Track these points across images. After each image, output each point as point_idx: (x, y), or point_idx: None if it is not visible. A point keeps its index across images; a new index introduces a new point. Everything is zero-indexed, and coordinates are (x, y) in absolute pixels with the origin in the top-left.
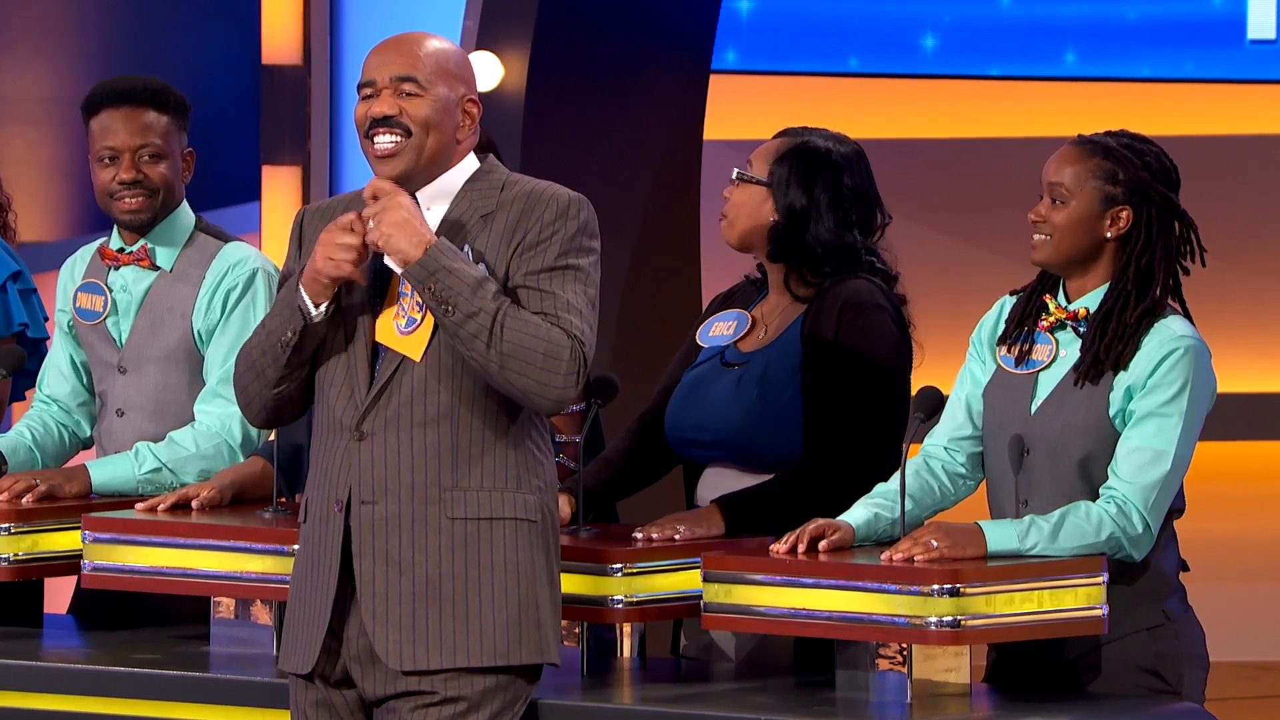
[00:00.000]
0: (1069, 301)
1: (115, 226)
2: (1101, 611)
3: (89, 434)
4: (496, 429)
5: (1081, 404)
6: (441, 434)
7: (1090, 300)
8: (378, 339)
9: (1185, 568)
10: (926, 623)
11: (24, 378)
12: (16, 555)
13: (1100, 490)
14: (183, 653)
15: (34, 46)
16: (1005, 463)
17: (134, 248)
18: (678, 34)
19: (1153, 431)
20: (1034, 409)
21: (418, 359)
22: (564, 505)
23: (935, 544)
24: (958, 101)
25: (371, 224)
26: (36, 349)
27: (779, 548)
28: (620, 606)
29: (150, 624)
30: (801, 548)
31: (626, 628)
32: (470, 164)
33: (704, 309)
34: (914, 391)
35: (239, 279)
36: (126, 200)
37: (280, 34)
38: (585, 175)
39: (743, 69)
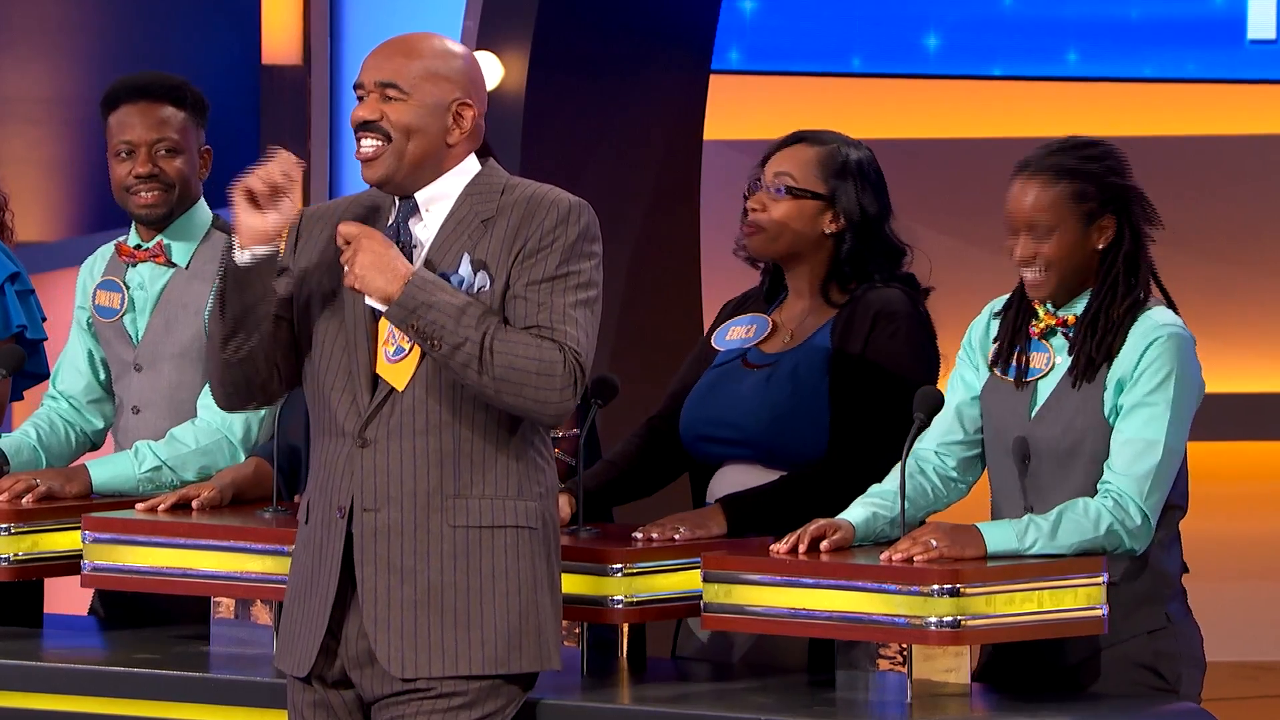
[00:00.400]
0: (1057, 307)
1: (133, 223)
2: (1101, 612)
3: (99, 429)
4: (499, 437)
5: (1079, 407)
6: (444, 442)
7: (1078, 305)
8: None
9: (1186, 569)
10: (926, 623)
11: (23, 378)
12: (16, 555)
13: (1097, 486)
14: (182, 653)
15: (34, 46)
16: (1008, 471)
17: (150, 244)
18: (678, 34)
19: (1142, 422)
20: (1033, 415)
21: (401, 388)
22: (563, 505)
23: (935, 544)
24: (960, 101)
25: (346, 269)
26: (35, 350)
27: (779, 548)
28: (620, 606)
29: (159, 623)
30: (802, 548)
31: (626, 628)
32: (470, 167)
33: (705, 310)
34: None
35: None
36: (142, 195)
37: (280, 34)
38: (585, 175)
39: (746, 69)
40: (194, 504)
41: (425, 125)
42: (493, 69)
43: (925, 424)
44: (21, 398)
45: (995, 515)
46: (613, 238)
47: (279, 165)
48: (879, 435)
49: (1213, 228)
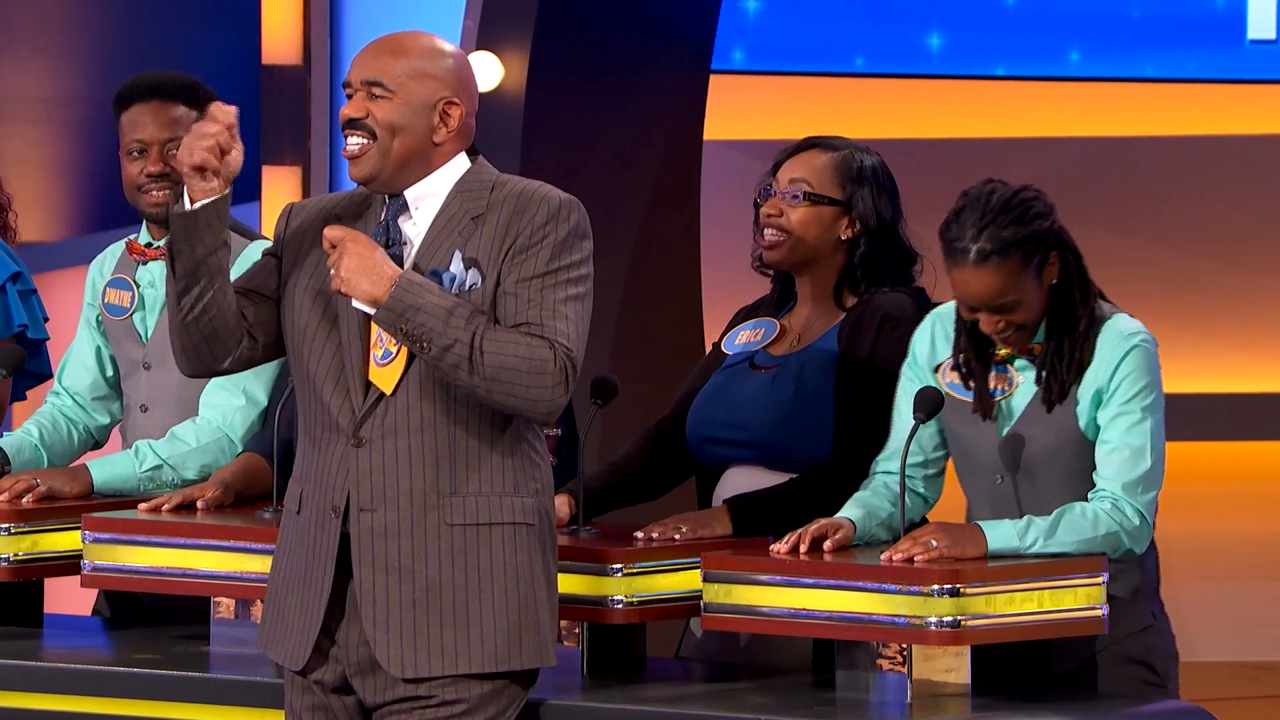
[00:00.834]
0: None
1: (144, 222)
2: (1102, 612)
3: (104, 426)
4: (493, 434)
5: (1051, 425)
6: (439, 440)
7: (1039, 334)
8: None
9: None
10: (927, 623)
11: (24, 378)
12: (16, 555)
13: (1089, 494)
14: (182, 653)
15: (34, 46)
16: (982, 490)
17: (161, 242)
18: (678, 34)
19: (1125, 429)
20: (1004, 434)
21: (389, 392)
22: (563, 506)
23: (935, 543)
24: (963, 101)
25: (332, 272)
26: (36, 350)
27: (780, 548)
28: (620, 606)
29: (164, 623)
30: (804, 548)
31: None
32: (460, 164)
33: (705, 311)
34: None
35: None
36: (154, 193)
37: (280, 34)
38: (585, 175)
39: (750, 69)
40: (199, 504)
41: (410, 123)
42: (493, 69)
43: (925, 423)
44: (24, 397)
45: None
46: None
47: (218, 124)
48: (881, 439)
49: (1213, 227)
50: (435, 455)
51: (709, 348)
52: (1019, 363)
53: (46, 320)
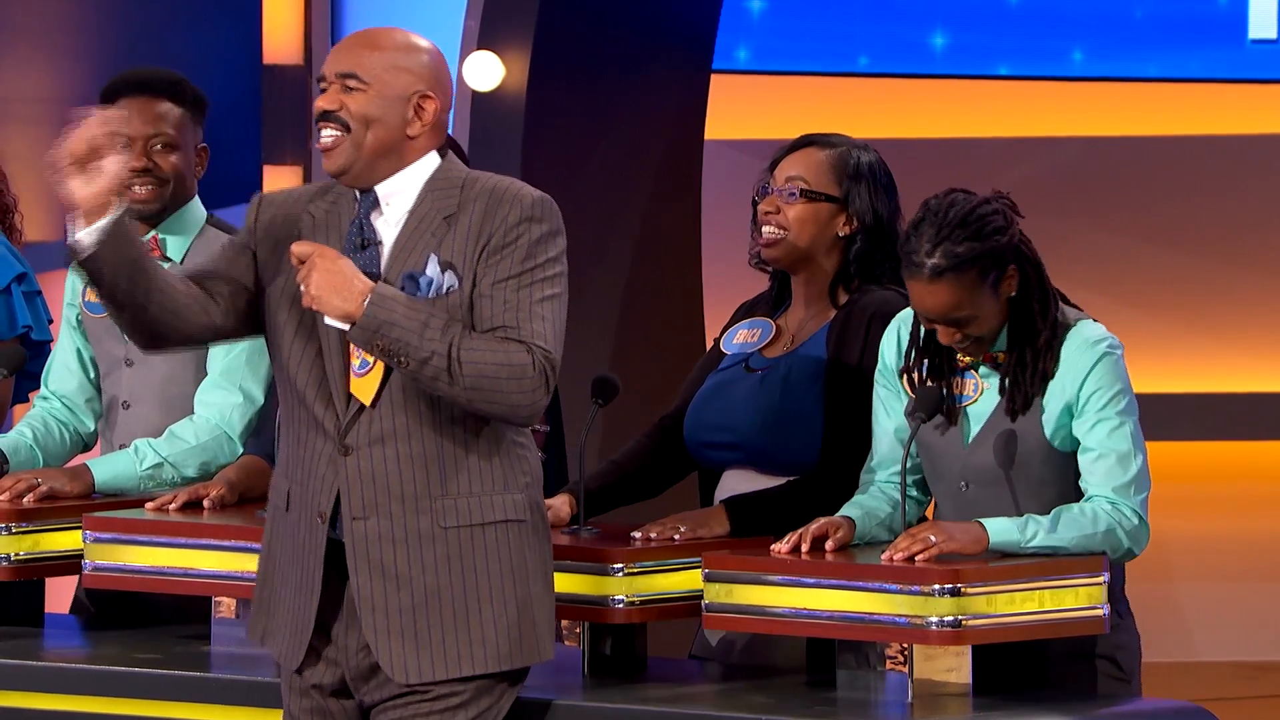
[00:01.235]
0: None
1: None
2: (1103, 611)
3: (92, 431)
4: (479, 433)
5: (1018, 431)
6: (427, 444)
7: (1001, 342)
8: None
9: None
10: (928, 623)
11: (27, 379)
12: (17, 555)
13: (1081, 501)
14: (183, 652)
15: (35, 46)
16: (948, 496)
17: (145, 239)
18: (679, 34)
19: (1106, 435)
20: (969, 441)
21: (368, 403)
22: (564, 506)
23: (934, 539)
24: (966, 101)
25: (301, 288)
26: (41, 351)
27: (780, 547)
28: (621, 606)
29: (150, 624)
30: (805, 547)
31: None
32: (431, 161)
33: (706, 311)
34: None
35: None
36: (136, 189)
37: (281, 34)
38: (586, 175)
39: (754, 69)
40: (205, 503)
41: (384, 116)
42: (494, 69)
43: (926, 422)
44: (26, 399)
45: None
46: (613, 237)
47: (95, 124)
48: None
49: (1214, 227)
50: (424, 459)
51: (710, 347)
52: (983, 370)
53: (51, 322)
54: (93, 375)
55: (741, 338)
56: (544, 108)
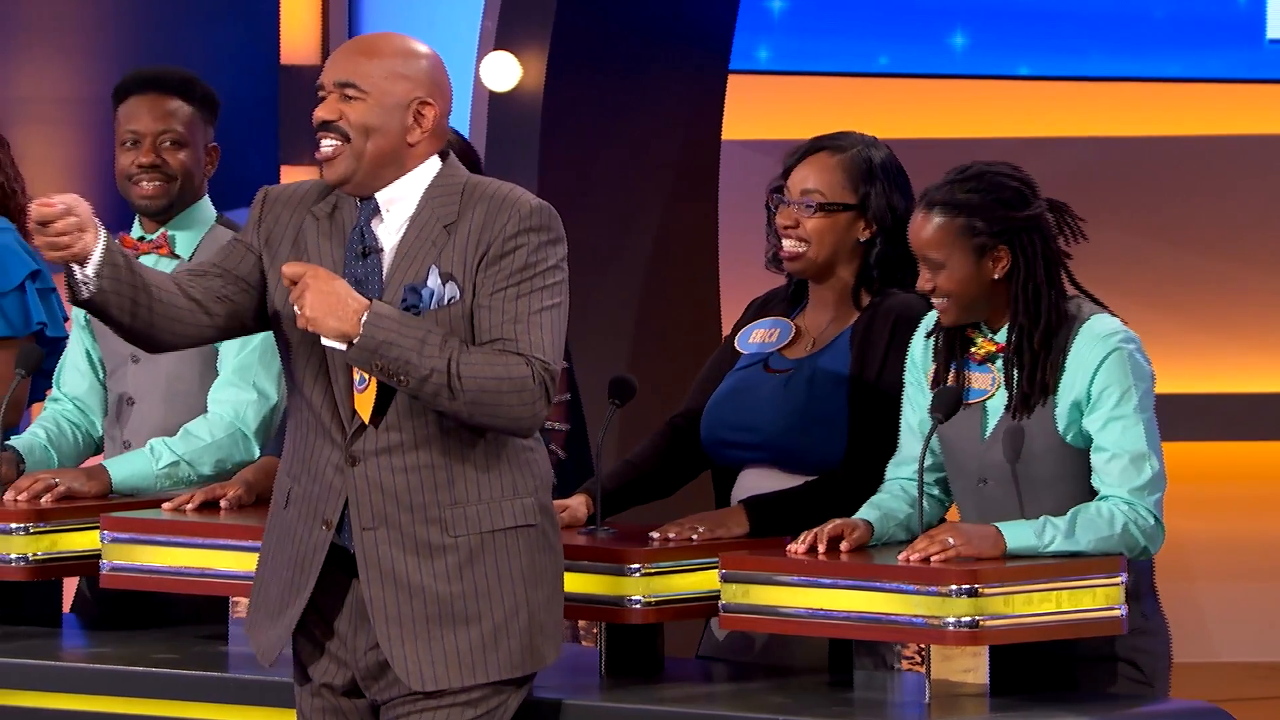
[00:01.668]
0: (993, 333)
1: (136, 215)
2: (1120, 612)
3: (103, 435)
4: (485, 440)
5: (1031, 430)
6: (434, 453)
7: (1005, 334)
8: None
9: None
10: (945, 623)
11: (43, 378)
12: (35, 555)
13: (1097, 501)
14: (201, 653)
15: (52, 47)
16: (964, 492)
17: (154, 235)
18: (696, 34)
19: (1119, 434)
20: (985, 437)
21: (366, 420)
22: (581, 506)
23: (952, 542)
24: (987, 101)
25: (296, 310)
26: (55, 348)
27: (797, 548)
28: (639, 607)
29: (158, 622)
30: (821, 548)
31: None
32: (431, 167)
33: (724, 310)
34: None
35: None
36: (143, 185)
37: (299, 34)
38: (603, 175)
39: (775, 69)
40: (222, 503)
41: (384, 124)
42: (511, 69)
43: (943, 423)
44: (42, 398)
45: None
46: (630, 237)
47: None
48: (897, 440)
49: (1230, 226)
50: (431, 468)
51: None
52: (999, 364)
53: (66, 319)
54: (102, 376)
55: (759, 337)
56: (561, 108)
